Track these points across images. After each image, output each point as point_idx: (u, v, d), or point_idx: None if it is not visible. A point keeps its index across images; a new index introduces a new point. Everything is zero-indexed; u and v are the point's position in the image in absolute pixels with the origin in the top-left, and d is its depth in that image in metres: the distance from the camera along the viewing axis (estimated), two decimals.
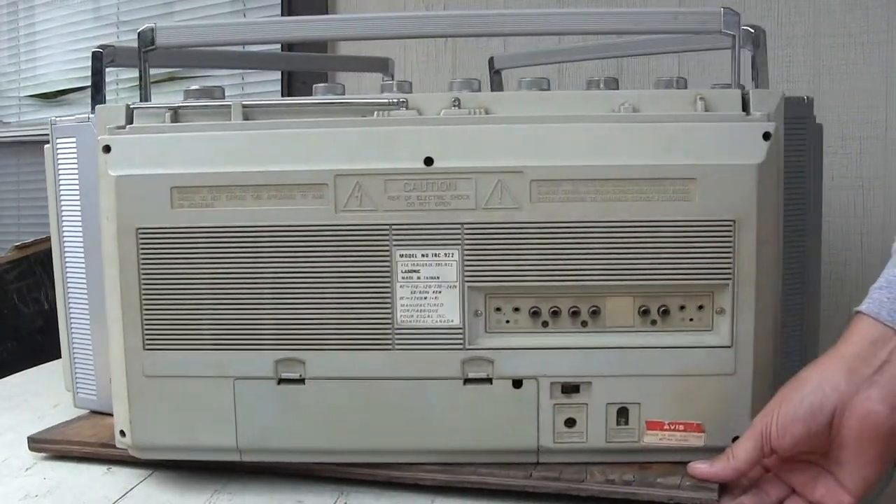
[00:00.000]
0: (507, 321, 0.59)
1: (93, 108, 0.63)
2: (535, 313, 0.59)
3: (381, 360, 0.59)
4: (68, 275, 0.72)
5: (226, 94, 0.64)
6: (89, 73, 0.68)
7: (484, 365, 0.59)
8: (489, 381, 0.59)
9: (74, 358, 0.73)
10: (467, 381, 0.59)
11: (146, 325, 0.60)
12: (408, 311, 0.59)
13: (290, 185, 0.58)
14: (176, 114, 0.61)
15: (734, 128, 0.57)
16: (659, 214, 0.57)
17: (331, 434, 0.60)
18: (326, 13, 1.26)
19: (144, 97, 0.63)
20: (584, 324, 0.59)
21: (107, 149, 0.59)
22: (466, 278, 0.58)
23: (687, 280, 0.58)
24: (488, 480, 0.59)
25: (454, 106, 0.60)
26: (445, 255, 0.58)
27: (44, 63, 1.93)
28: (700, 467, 0.56)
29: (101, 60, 0.68)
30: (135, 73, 0.63)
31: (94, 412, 0.73)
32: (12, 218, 1.98)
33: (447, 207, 0.58)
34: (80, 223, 0.70)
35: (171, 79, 1.64)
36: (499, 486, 0.59)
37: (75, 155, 0.70)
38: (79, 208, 0.70)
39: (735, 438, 0.57)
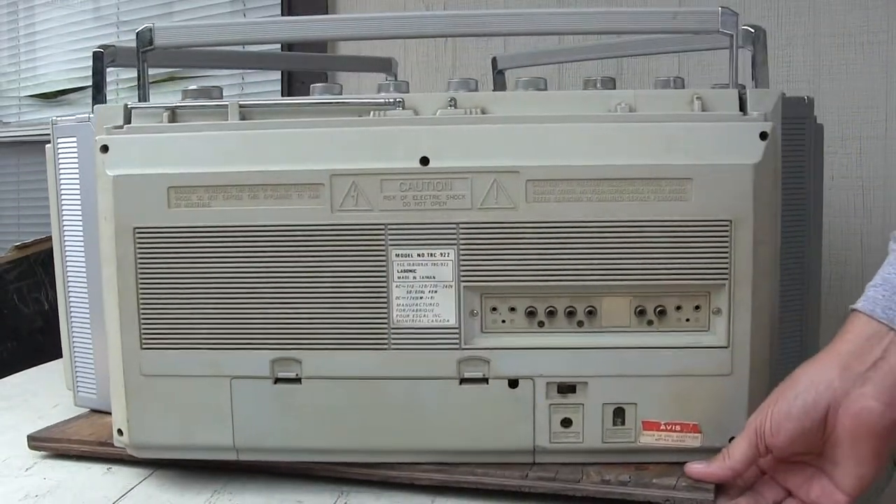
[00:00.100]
0: (503, 321, 0.59)
1: (93, 108, 0.63)
2: (531, 313, 0.59)
3: (377, 360, 0.59)
4: (69, 274, 0.73)
5: (226, 93, 0.64)
6: (89, 73, 0.68)
7: (480, 365, 0.59)
8: (485, 380, 0.59)
9: (75, 357, 0.73)
10: (463, 380, 0.59)
11: (143, 324, 0.60)
12: (404, 310, 0.59)
13: (286, 185, 0.58)
14: (173, 114, 0.61)
15: (731, 128, 0.57)
16: (655, 214, 0.57)
17: (327, 433, 0.60)
18: (326, 13, 1.26)
19: (143, 97, 0.63)
20: (580, 324, 0.59)
21: (104, 149, 0.59)
22: (462, 278, 0.58)
23: (683, 280, 0.58)
24: (484, 480, 0.59)
25: (450, 106, 0.60)
26: (441, 254, 0.58)
27: (44, 63, 1.94)
28: (696, 468, 0.56)
29: (101, 60, 0.68)
30: (135, 73, 0.64)
31: (94, 411, 0.74)
32: (12, 218, 1.98)
33: (443, 207, 0.58)
34: (80, 223, 0.71)
35: (171, 79, 1.65)
36: (495, 486, 0.59)
37: (76, 155, 0.70)
38: (79, 208, 0.70)
39: (732, 439, 0.57)
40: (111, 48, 0.70)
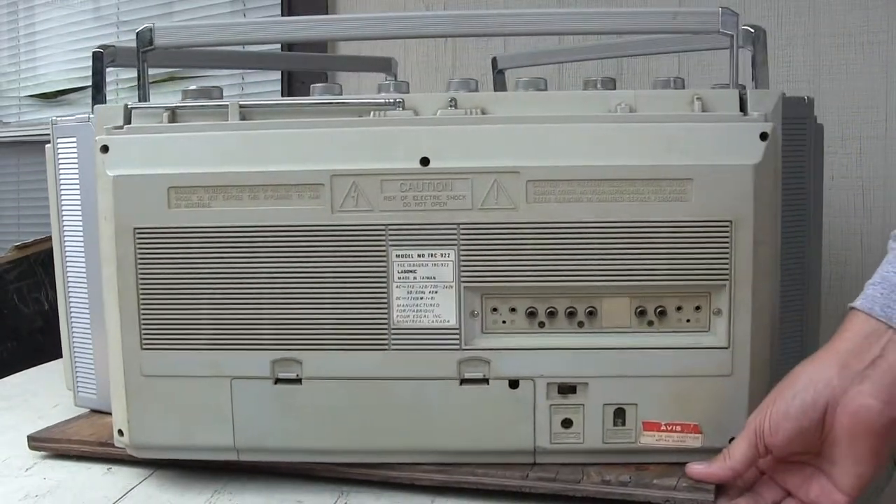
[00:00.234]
0: (504, 321, 0.59)
1: (93, 108, 0.63)
2: (531, 314, 0.59)
3: (378, 361, 0.59)
4: (69, 274, 0.73)
5: (226, 93, 0.64)
6: (89, 73, 0.68)
7: (480, 365, 0.59)
8: (486, 381, 0.59)
9: (75, 357, 0.73)
10: (464, 381, 0.59)
11: (143, 324, 0.60)
12: (404, 311, 0.59)
13: (286, 185, 0.58)
14: (173, 114, 0.61)
15: (731, 128, 0.57)
16: (655, 215, 0.57)
17: (327, 434, 0.60)
18: (326, 13, 1.26)
19: (143, 97, 0.63)
20: (580, 324, 0.59)
21: (104, 149, 0.59)
22: (463, 279, 0.58)
23: (684, 281, 0.58)
24: (485, 481, 0.59)
25: (450, 106, 0.60)
26: (442, 255, 0.58)
27: (44, 63, 1.94)
28: (697, 468, 0.56)
29: (101, 60, 0.68)
30: (135, 73, 0.64)
31: (94, 411, 0.74)
32: (12, 218, 1.98)
33: (443, 208, 0.58)
34: (80, 223, 0.71)
35: (171, 79, 1.65)
36: (495, 487, 0.59)
37: (76, 155, 0.70)
38: (79, 208, 0.70)
39: (732, 439, 0.57)
40: (111, 48, 0.70)
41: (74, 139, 0.70)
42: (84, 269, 0.71)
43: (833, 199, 1.00)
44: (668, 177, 0.57)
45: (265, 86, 1.50)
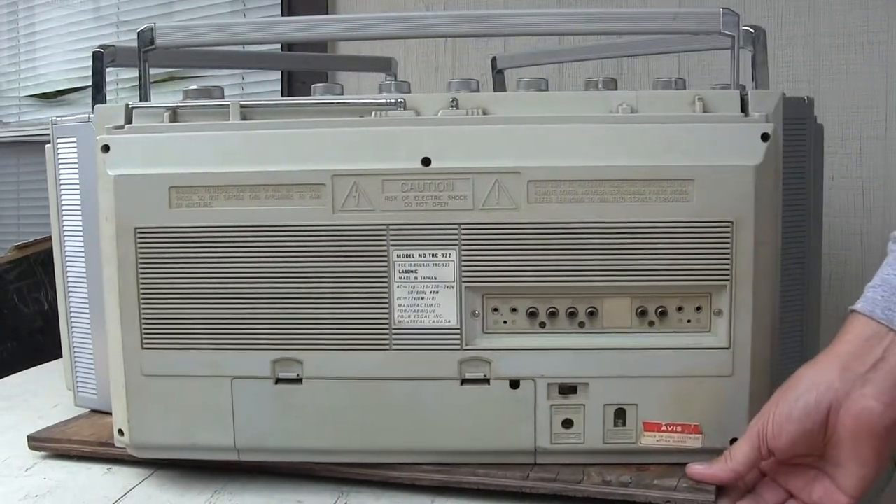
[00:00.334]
0: (505, 322, 0.59)
1: (93, 108, 0.63)
2: (532, 314, 0.59)
3: (378, 361, 0.59)
4: (69, 274, 0.73)
5: (226, 93, 0.64)
6: (89, 73, 0.68)
7: (481, 365, 0.59)
8: (486, 381, 0.59)
9: (75, 357, 0.73)
10: (464, 381, 0.59)
11: (144, 324, 0.60)
12: (405, 311, 0.59)
13: (287, 185, 0.58)
14: (174, 113, 0.61)
15: (732, 129, 0.57)
16: (656, 215, 0.57)
17: (328, 434, 0.60)
18: (326, 13, 1.26)
19: (144, 97, 0.63)
20: (581, 325, 0.59)
21: (105, 148, 0.59)
22: (464, 279, 0.58)
23: (684, 281, 0.58)
24: (486, 481, 0.59)
25: (452, 106, 0.60)
26: (443, 255, 0.58)
27: (44, 63, 1.93)
28: (698, 469, 0.56)
29: (101, 60, 0.68)
30: (135, 73, 0.64)
31: (94, 411, 0.74)
32: (12, 218, 1.98)
33: (444, 208, 0.58)
34: (80, 223, 0.71)
35: (171, 79, 1.65)
36: (496, 487, 0.59)
37: (76, 155, 0.70)
38: (79, 208, 0.70)
39: (733, 440, 0.57)
40: (111, 48, 0.70)
41: (74, 139, 0.70)
42: (84, 269, 0.71)
43: (833, 199, 1.00)
44: (669, 177, 0.57)
45: (265, 86, 1.50)
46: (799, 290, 0.66)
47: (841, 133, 1.00)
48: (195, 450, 0.62)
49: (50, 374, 0.91)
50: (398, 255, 0.58)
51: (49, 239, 0.77)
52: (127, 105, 0.61)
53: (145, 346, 0.60)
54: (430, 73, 1.22)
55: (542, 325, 0.59)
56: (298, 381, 0.60)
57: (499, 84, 0.97)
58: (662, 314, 0.59)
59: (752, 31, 0.62)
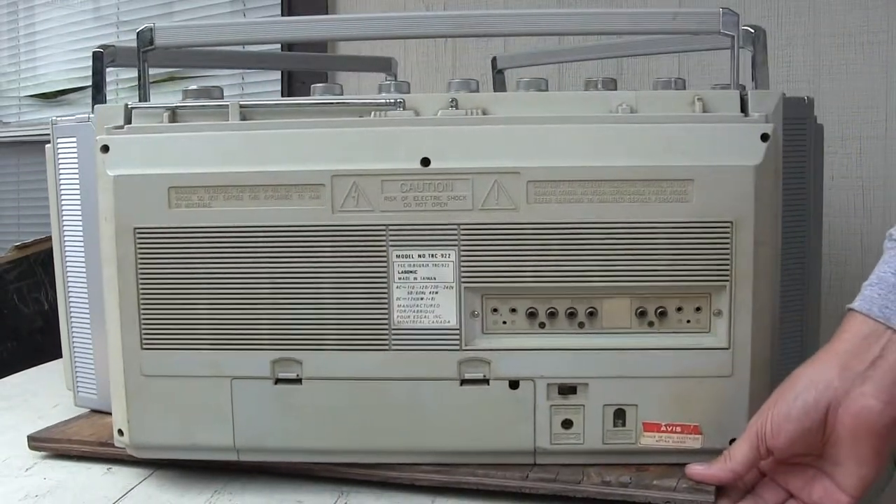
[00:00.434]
0: (504, 322, 0.59)
1: (93, 108, 0.63)
2: (531, 314, 0.59)
3: (378, 361, 0.59)
4: (69, 274, 0.73)
5: (225, 93, 0.64)
6: (89, 73, 0.68)
7: (481, 366, 0.59)
8: (486, 381, 0.59)
9: (75, 357, 0.73)
10: (464, 381, 0.59)
11: (144, 324, 0.60)
12: (404, 311, 0.59)
13: (287, 186, 0.58)
14: (174, 114, 0.61)
15: (732, 129, 0.57)
16: (656, 216, 0.57)
17: (327, 434, 0.60)
18: (326, 13, 1.26)
19: (143, 97, 0.63)
20: (580, 325, 0.59)
21: (105, 148, 0.59)
22: (463, 279, 0.58)
23: (684, 281, 0.58)
24: (485, 481, 0.59)
25: (451, 106, 0.60)
26: (442, 255, 0.58)
27: (44, 63, 1.93)
28: (697, 469, 0.56)
29: (101, 60, 0.68)
30: (135, 73, 0.64)
31: (94, 411, 0.74)
32: (12, 218, 1.98)
33: (444, 208, 0.58)
34: (80, 223, 0.71)
35: (171, 79, 1.65)
36: (496, 487, 0.59)
37: (76, 155, 0.70)
38: (79, 208, 0.70)
39: (732, 440, 0.57)
40: (111, 48, 0.70)
41: (74, 139, 0.70)
42: (84, 269, 0.71)
43: (833, 199, 1.00)
44: (668, 177, 0.57)
45: (265, 86, 1.50)
46: (799, 290, 0.66)
47: (841, 133, 1.00)
48: (195, 450, 0.62)
49: (50, 374, 0.91)
50: (397, 256, 0.58)
51: (49, 239, 0.77)
52: (126, 105, 0.61)
53: (145, 346, 0.60)
54: (430, 73, 1.22)
55: (542, 325, 0.59)
56: (298, 381, 0.60)
57: (499, 84, 0.97)
58: (662, 314, 0.59)
59: (752, 31, 0.62)
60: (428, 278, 0.58)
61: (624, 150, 0.57)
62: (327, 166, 0.58)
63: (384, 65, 0.98)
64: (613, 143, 0.57)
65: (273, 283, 0.59)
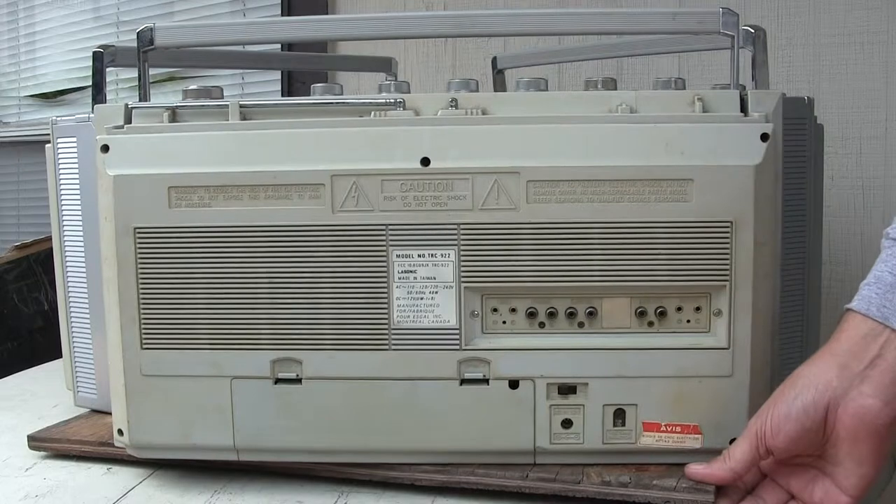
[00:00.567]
0: (504, 322, 0.59)
1: (93, 108, 0.63)
2: (531, 314, 0.59)
3: (378, 361, 0.59)
4: (69, 274, 0.73)
5: (225, 93, 0.64)
6: (89, 73, 0.69)
7: (480, 366, 0.59)
8: (486, 381, 0.59)
9: (75, 357, 0.73)
10: (464, 381, 0.59)
11: (143, 324, 0.60)
12: (404, 311, 0.59)
13: (286, 185, 0.58)
14: (174, 114, 0.61)
15: (732, 129, 0.57)
16: (656, 215, 0.57)
17: (327, 434, 0.60)
18: (326, 13, 1.26)
19: (143, 97, 0.63)
20: (580, 325, 0.59)
21: (105, 148, 0.59)
22: (463, 279, 0.58)
23: (684, 281, 0.58)
24: (485, 481, 0.59)
25: (451, 106, 0.60)
26: (442, 255, 0.58)
27: (44, 63, 1.94)
28: (697, 469, 0.56)
29: (101, 60, 0.68)
30: (135, 73, 0.64)
31: (94, 411, 0.74)
32: (12, 218, 1.98)
33: (444, 208, 0.58)
34: (80, 223, 0.71)
35: (171, 79, 1.65)
36: (496, 487, 0.59)
37: (76, 155, 0.70)
38: (79, 208, 0.70)
39: (732, 440, 0.57)
40: (111, 48, 0.70)
41: (74, 139, 0.70)
42: (84, 269, 0.71)
43: (833, 199, 1.00)
44: (668, 177, 0.57)
45: (265, 86, 1.50)
46: (799, 289, 0.66)
47: (841, 133, 1.00)
48: (195, 450, 0.62)
49: (50, 374, 0.91)
50: (397, 256, 0.58)
51: (49, 239, 0.77)
52: (126, 105, 0.61)
53: (145, 346, 0.60)
54: (430, 73, 1.22)
55: (542, 325, 0.59)
56: (298, 381, 0.60)
57: (499, 84, 0.97)
58: (662, 314, 0.59)
59: (752, 30, 0.62)
60: (428, 278, 0.58)
61: (624, 150, 0.57)
62: (327, 166, 0.58)
63: (384, 65, 0.98)
64: (613, 142, 0.57)
65: (273, 283, 0.59)
